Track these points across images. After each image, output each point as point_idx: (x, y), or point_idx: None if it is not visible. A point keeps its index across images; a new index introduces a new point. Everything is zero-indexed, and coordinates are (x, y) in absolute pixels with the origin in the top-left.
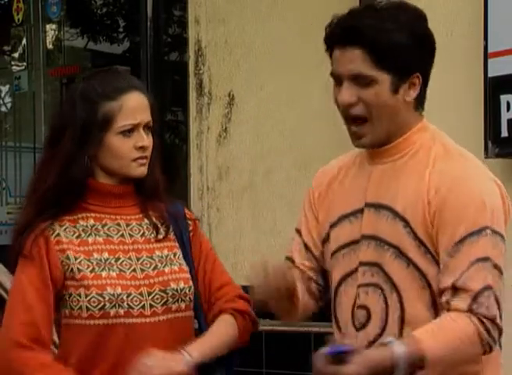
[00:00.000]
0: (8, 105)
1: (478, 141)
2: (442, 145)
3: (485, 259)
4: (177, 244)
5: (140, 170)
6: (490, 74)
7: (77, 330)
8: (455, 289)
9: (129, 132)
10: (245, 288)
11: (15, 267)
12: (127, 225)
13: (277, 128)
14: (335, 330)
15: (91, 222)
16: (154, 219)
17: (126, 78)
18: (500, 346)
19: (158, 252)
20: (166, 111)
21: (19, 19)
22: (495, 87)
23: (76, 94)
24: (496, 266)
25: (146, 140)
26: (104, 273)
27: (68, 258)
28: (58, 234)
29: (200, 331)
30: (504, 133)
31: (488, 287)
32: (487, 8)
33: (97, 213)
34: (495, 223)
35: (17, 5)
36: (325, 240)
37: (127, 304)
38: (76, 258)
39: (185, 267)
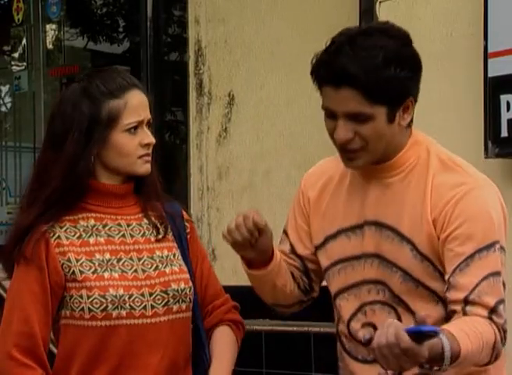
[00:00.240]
0: (8, 105)
1: (478, 141)
2: (438, 157)
3: (497, 274)
4: (176, 245)
5: (146, 167)
6: (490, 74)
7: (79, 332)
8: (467, 302)
9: (134, 129)
10: (245, 288)
11: (9, 269)
12: (128, 225)
13: (277, 128)
14: (338, 336)
15: (92, 222)
16: (153, 219)
17: (126, 76)
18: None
19: (158, 252)
20: (166, 111)
21: (19, 19)
22: (495, 87)
23: (77, 94)
24: (503, 280)
25: (151, 137)
26: (106, 274)
27: (69, 260)
28: (59, 236)
29: (198, 331)
30: (504, 133)
31: (501, 301)
32: (487, 8)
33: (98, 213)
34: (501, 237)
35: (17, 5)
36: (320, 247)
37: (129, 305)
38: (77, 260)
39: (184, 268)
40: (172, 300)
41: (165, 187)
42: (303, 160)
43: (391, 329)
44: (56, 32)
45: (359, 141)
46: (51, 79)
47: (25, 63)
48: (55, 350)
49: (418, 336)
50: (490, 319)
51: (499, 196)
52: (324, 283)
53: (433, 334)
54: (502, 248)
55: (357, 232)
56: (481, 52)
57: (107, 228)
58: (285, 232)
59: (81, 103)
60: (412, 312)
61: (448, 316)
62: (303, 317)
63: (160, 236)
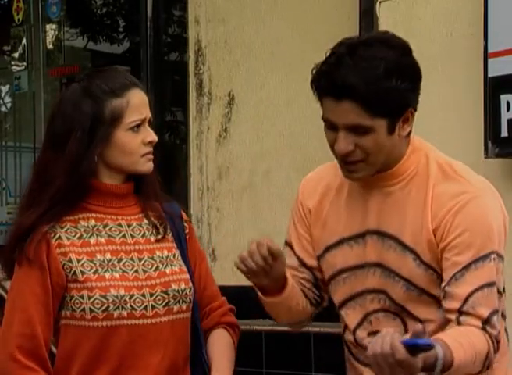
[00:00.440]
0: (8, 105)
1: (478, 141)
2: (437, 164)
3: (492, 284)
4: (175, 245)
5: (148, 166)
6: (490, 74)
7: (79, 332)
8: (461, 312)
9: (136, 127)
10: (245, 288)
11: (9, 269)
12: (128, 225)
13: (277, 128)
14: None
15: (92, 222)
16: (153, 219)
17: (127, 76)
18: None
19: (158, 253)
20: (166, 111)
21: (19, 19)
22: (495, 87)
23: (78, 94)
24: (498, 291)
25: (153, 135)
26: (107, 275)
27: (70, 261)
28: (60, 237)
29: (196, 331)
30: (504, 133)
31: (495, 312)
32: (487, 8)
33: (98, 213)
34: (500, 247)
35: (17, 5)
36: (321, 257)
37: (130, 305)
38: (78, 261)
39: (184, 268)
40: (172, 300)
41: (165, 187)
42: (303, 160)
43: (387, 338)
44: (56, 32)
45: (360, 153)
46: (51, 79)
47: (25, 63)
48: (54, 350)
49: (414, 348)
50: (484, 329)
51: (499, 201)
52: None
53: (428, 348)
54: (499, 256)
55: (359, 241)
56: (481, 52)
57: (107, 228)
58: (289, 245)
59: (83, 103)
60: (416, 318)
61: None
62: None
63: (159, 236)
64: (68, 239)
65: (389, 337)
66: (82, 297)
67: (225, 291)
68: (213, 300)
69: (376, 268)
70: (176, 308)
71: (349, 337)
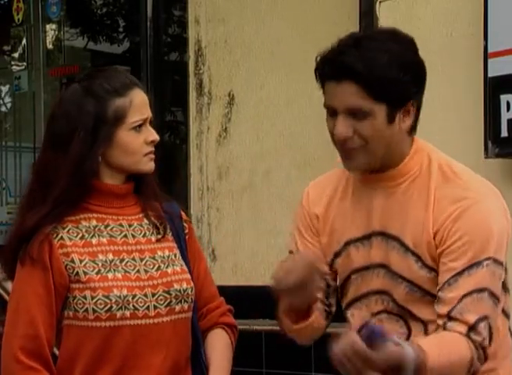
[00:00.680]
0: (8, 105)
1: (478, 141)
2: (439, 166)
3: (482, 290)
4: (175, 245)
5: (150, 165)
6: (490, 74)
7: (82, 332)
8: (450, 318)
9: (139, 127)
10: (245, 288)
11: (9, 270)
12: (129, 225)
13: (277, 128)
14: None
15: (94, 222)
16: (153, 219)
17: (127, 75)
18: None
19: (159, 253)
20: (166, 111)
21: (19, 19)
22: (495, 87)
23: (80, 94)
24: (492, 294)
25: (155, 134)
26: (110, 275)
27: (73, 261)
28: (62, 237)
29: (195, 331)
30: (504, 133)
31: (483, 318)
32: (487, 8)
33: (99, 214)
34: (497, 252)
35: (17, 5)
36: (332, 262)
37: (133, 305)
38: (81, 261)
39: (185, 268)
40: (174, 300)
41: (165, 187)
42: (303, 160)
43: (348, 335)
44: (56, 32)
45: (358, 139)
46: (51, 79)
47: (25, 63)
48: (55, 350)
49: (373, 341)
50: (468, 336)
51: (502, 203)
52: None
53: (384, 337)
54: (495, 261)
55: (364, 243)
56: (481, 52)
57: (109, 228)
58: (292, 253)
59: (86, 102)
60: (419, 320)
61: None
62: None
63: (160, 236)
64: (70, 239)
65: (350, 334)
66: (85, 297)
67: (225, 291)
68: (211, 300)
69: (380, 269)
70: (177, 308)
71: None
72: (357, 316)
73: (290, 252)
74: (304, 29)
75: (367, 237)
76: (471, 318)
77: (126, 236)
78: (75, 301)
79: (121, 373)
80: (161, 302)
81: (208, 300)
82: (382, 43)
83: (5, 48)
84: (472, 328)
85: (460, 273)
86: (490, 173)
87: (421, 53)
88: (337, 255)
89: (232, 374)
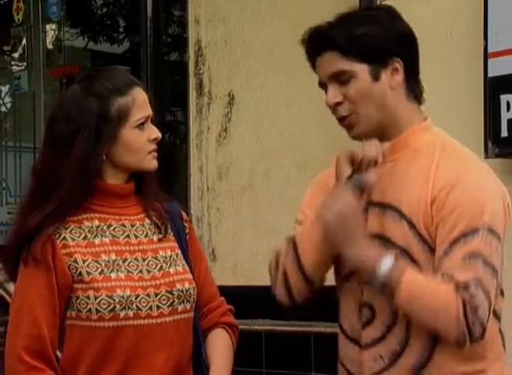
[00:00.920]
0: (8, 105)
1: (478, 141)
2: (446, 147)
3: (476, 256)
4: (177, 245)
5: (154, 163)
6: (490, 74)
7: (85, 332)
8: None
9: (142, 125)
10: (245, 288)
11: (11, 270)
12: (132, 226)
13: (277, 128)
14: (339, 327)
15: (96, 222)
16: (154, 219)
17: (128, 75)
18: (504, 347)
19: (161, 253)
20: (166, 111)
21: (19, 19)
22: (495, 87)
23: (81, 94)
24: (487, 263)
25: (158, 131)
26: (113, 275)
27: (76, 261)
28: (64, 238)
29: (195, 331)
30: (504, 133)
31: (475, 280)
32: (487, 8)
33: (102, 214)
34: (492, 224)
35: (17, 5)
36: None
37: (136, 305)
38: (84, 261)
39: (187, 268)
40: (177, 300)
41: (165, 187)
42: (303, 160)
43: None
44: (56, 32)
45: (348, 104)
46: (51, 79)
47: (25, 63)
48: (58, 353)
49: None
50: (456, 290)
51: (497, 183)
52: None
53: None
54: (490, 231)
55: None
56: (481, 52)
57: (111, 228)
58: (299, 221)
59: (88, 102)
60: None
61: None
62: (303, 317)
63: (161, 236)
64: (73, 240)
65: None
66: (88, 297)
67: (225, 291)
68: (212, 300)
69: (375, 239)
70: (180, 308)
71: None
72: (348, 290)
73: (298, 221)
74: (303, 29)
75: (365, 209)
76: (461, 277)
77: (128, 236)
78: (78, 301)
79: (124, 372)
80: (164, 302)
81: (208, 300)
82: (356, 11)
83: (5, 48)
84: (461, 286)
85: (455, 242)
86: None
87: (421, 53)
88: None
89: (233, 374)
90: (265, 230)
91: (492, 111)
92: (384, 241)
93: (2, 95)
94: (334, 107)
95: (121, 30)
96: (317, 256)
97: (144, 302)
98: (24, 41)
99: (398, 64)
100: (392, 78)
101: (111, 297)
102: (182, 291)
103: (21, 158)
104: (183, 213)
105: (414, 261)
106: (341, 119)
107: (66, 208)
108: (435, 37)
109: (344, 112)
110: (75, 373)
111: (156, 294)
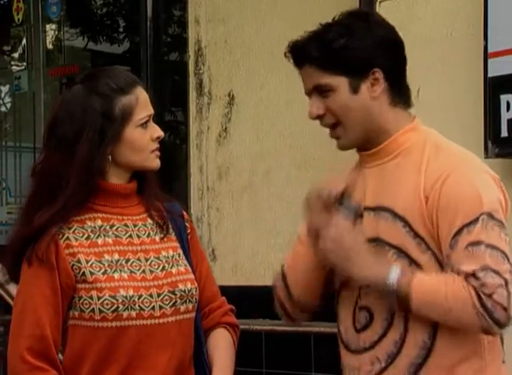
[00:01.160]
0: (8, 105)
1: (478, 141)
2: (435, 144)
3: (477, 243)
4: (178, 245)
5: (157, 162)
6: (490, 74)
7: (88, 332)
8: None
9: (145, 124)
10: (245, 288)
11: (13, 271)
12: (134, 225)
13: (277, 128)
14: (338, 331)
15: (99, 222)
16: (156, 219)
17: (128, 74)
18: (503, 345)
19: (164, 253)
20: (166, 111)
21: (19, 19)
22: (495, 87)
23: (84, 94)
24: (492, 247)
25: (160, 130)
26: (116, 275)
27: (79, 261)
28: (68, 238)
29: (197, 331)
30: (504, 133)
31: (481, 267)
32: (487, 8)
33: (104, 213)
34: (492, 210)
35: (17, 5)
36: None
37: (139, 306)
38: (87, 261)
39: (189, 268)
40: (179, 300)
41: (165, 187)
42: (303, 160)
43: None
44: (56, 32)
45: (330, 116)
46: (51, 79)
47: (25, 63)
48: (60, 356)
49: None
50: (466, 281)
51: (491, 176)
52: None
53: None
54: (490, 217)
55: (357, 221)
56: (481, 52)
57: (114, 228)
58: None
59: (92, 102)
60: None
61: None
62: None
63: (163, 236)
64: (76, 240)
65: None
66: (91, 297)
67: (225, 291)
68: (213, 300)
69: (371, 243)
70: (182, 308)
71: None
72: (346, 295)
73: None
74: (303, 29)
75: (360, 216)
76: (468, 268)
77: (131, 236)
78: (81, 301)
79: (127, 372)
80: (167, 302)
81: (210, 299)
82: (335, 21)
83: (5, 48)
84: (468, 275)
85: (458, 233)
86: None
87: (421, 53)
88: None
89: (234, 374)
90: (265, 230)
91: (492, 111)
92: (379, 243)
93: (2, 95)
94: (316, 119)
95: (121, 30)
96: (304, 284)
97: (146, 302)
98: (24, 41)
99: (378, 74)
100: (372, 89)
101: (114, 297)
102: (184, 291)
103: (21, 158)
104: (185, 213)
105: (411, 259)
106: (331, 132)
107: (70, 208)
108: (435, 37)
109: (328, 121)
110: (78, 373)
111: (159, 295)
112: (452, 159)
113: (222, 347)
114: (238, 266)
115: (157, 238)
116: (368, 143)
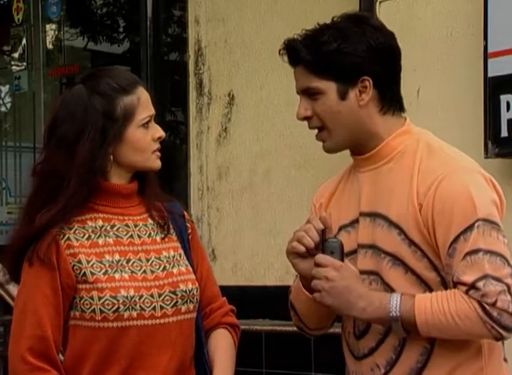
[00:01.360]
0: (8, 105)
1: (478, 141)
2: (427, 145)
3: (475, 251)
4: (179, 245)
5: (158, 162)
6: (490, 74)
7: (89, 333)
8: (454, 284)
9: (147, 124)
10: (245, 288)
11: (13, 271)
12: (135, 226)
13: (277, 128)
14: (343, 337)
15: (100, 223)
16: (157, 219)
17: (129, 74)
18: (503, 346)
19: (164, 253)
20: (166, 111)
21: (19, 19)
22: (495, 87)
23: (85, 94)
24: (488, 252)
25: (161, 130)
26: (117, 275)
27: (80, 262)
28: (69, 238)
29: (198, 331)
30: (504, 133)
31: (482, 277)
32: (487, 8)
33: (105, 214)
34: (487, 214)
35: (17, 5)
36: None
37: (139, 306)
38: (88, 262)
39: (190, 268)
40: (180, 300)
41: (165, 187)
42: (303, 160)
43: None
44: (56, 32)
45: (317, 119)
46: (51, 79)
47: (25, 63)
48: (61, 357)
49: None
50: (468, 294)
51: (483, 176)
52: None
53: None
54: (486, 221)
55: (354, 226)
56: (481, 52)
57: (115, 229)
58: None
59: (93, 101)
60: None
61: None
62: None
63: (164, 236)
64: (77, 240)
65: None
66: (92, 298)
67: (225, 291)
68: (214, 300)
69: (368, 249)
70: (183, 308)
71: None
72: None
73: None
74: (303, 29)
75: (355, 221)
76: (467, 279)
77: (132, 236)
78: (82, 301)
79: (127, 373)
80: (168, 303)
81: (210, 300)
82: (329, 24)
83: (5, 48)
84: (471, 287)
85: (455, 241)
86: (490, 173)
87: (421, 53)
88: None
89: (234, 374)
90: (265, 230)
91: (492, 111)
92: (375, 250)
93: (2, 95)
94: (303, 120)
95: (121, 30)
96: (310, 314)
97: (147, 303)
98: (24, 41)
99: (367, 82)
100: (360, 97)
101: (115, 297)
102: (185, 291)
103: (21, 158)
104: (185, 213)
105: (407, 267)
106: (316, 134)
107: (71, 208)
108: (435, 37)
109: (314, 124)
110: (79, 374)
111: (160, 295)
112: (444, 161)
113: (222, 347)
114: (238, 266)
115: (158, 238)
116: (360, 147)
